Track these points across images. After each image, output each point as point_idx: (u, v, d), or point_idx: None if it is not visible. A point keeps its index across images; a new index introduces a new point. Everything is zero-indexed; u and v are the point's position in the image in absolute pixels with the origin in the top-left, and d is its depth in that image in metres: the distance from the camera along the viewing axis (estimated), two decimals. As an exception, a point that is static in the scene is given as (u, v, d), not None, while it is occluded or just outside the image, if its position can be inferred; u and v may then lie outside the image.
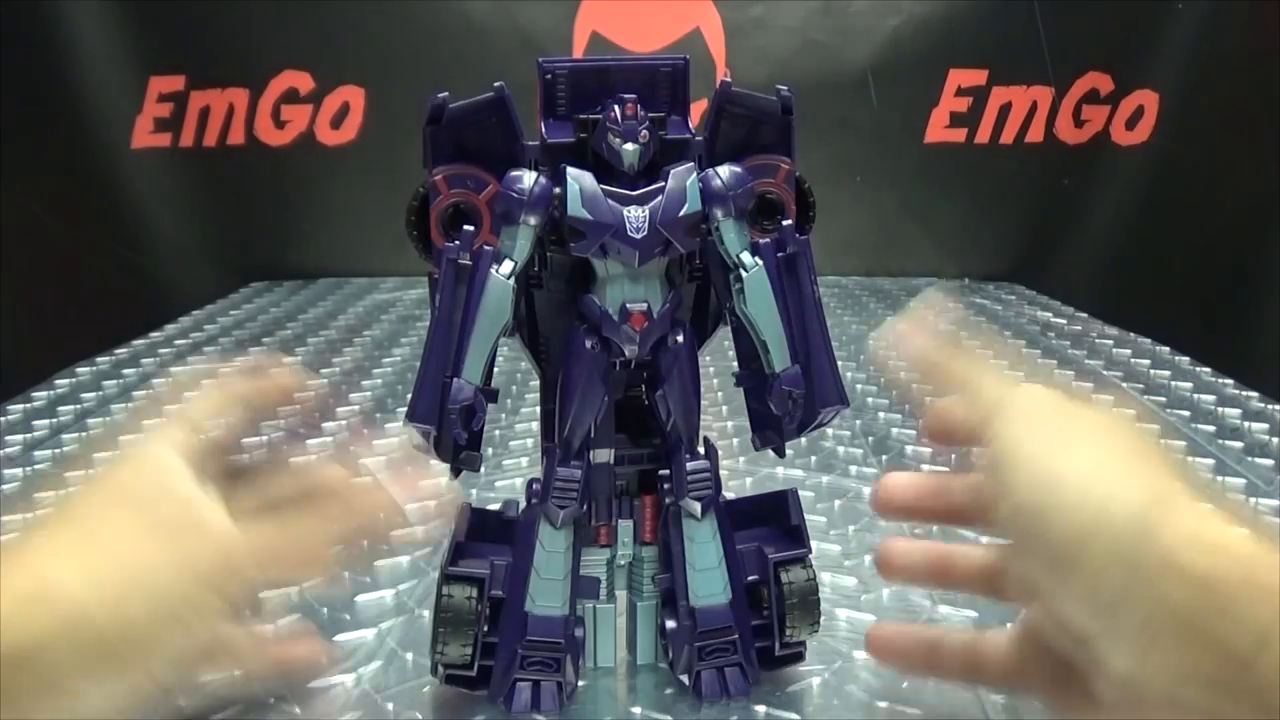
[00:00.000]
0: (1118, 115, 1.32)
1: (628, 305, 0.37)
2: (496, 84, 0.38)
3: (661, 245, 0.37)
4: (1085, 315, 1.16)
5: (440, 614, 0.39)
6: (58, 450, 0.73)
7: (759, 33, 1.30)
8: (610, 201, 0.37)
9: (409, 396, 0.38)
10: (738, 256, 0.38)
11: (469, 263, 0.37)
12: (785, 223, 0.39)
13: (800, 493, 0.43)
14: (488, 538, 0.41)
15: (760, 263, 0.38)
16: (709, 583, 0.41)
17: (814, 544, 0.43)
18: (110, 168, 1.27)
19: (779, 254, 0.38)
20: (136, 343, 1.04)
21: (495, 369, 0.39)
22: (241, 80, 1.30)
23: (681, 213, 0.37)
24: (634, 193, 0.37)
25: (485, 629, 0.40)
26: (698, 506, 0.40)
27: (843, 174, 1.33)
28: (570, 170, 0.37)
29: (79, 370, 0.94)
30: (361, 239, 1.35)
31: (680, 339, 0.39)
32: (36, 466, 0.70)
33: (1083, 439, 0.28)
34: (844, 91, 1.30)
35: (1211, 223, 1.26)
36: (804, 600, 0.41)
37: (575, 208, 0.36)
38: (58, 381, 0.90)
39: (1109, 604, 0.26)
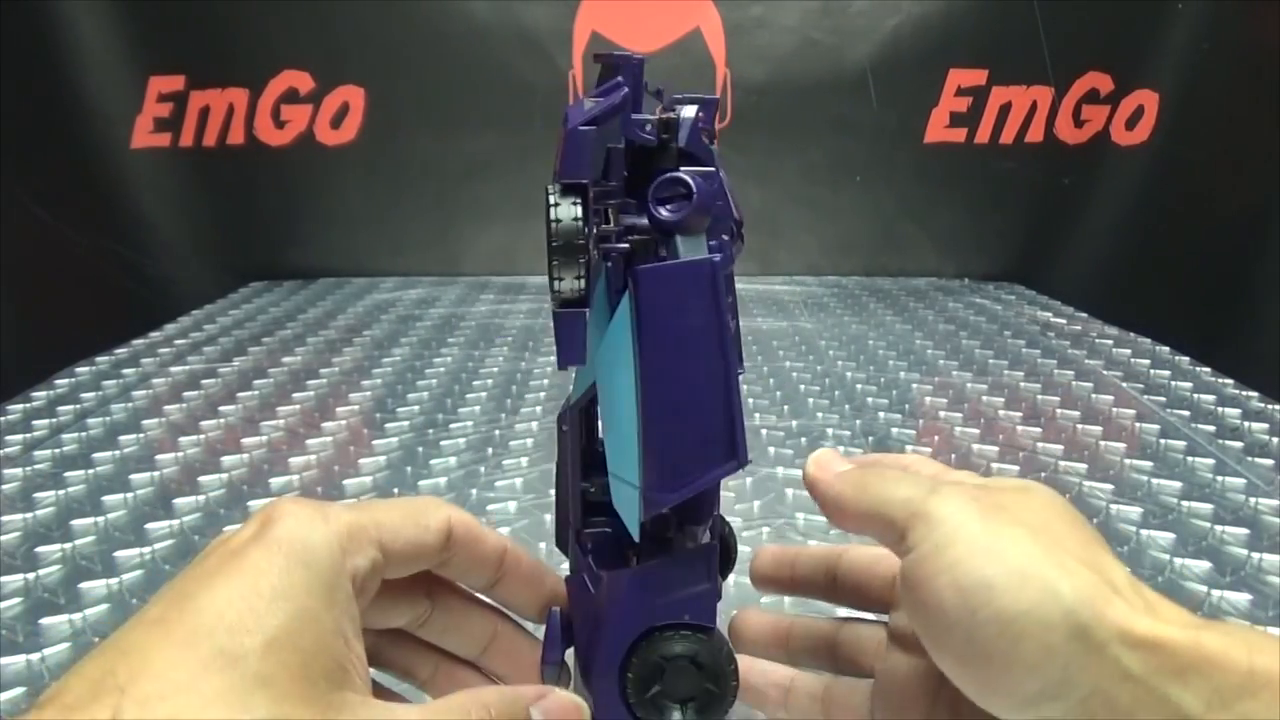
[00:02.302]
0: (1118, 115, 1.32)
1: None
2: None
3: None
4: (1085, 315, 1.16)
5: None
6: (58, 450, 0.73)
7: (759, 33, 1.30)
8: None
9: (736, 440, 0.31)
10: None
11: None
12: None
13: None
14: None
15: None
16: None
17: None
18: (110, 167, 1.28)
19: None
20: (136, 343, 1.04)
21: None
22: (241, 80, 1.30)
23: None
24: None
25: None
26: None
27: (842, 174, 1.33)
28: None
29: (79, 370, 0.94)
30: (361, 239, 1.35)
31: None
32: (36, 466, 0.70)
33: (1006, 538, 0.28)
34: (843, 91, 1.30)
35: (1211, 223, 1.26)
36: None
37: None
38: (58, 381, 0.90)
39: (1036, 700, 0.27)
